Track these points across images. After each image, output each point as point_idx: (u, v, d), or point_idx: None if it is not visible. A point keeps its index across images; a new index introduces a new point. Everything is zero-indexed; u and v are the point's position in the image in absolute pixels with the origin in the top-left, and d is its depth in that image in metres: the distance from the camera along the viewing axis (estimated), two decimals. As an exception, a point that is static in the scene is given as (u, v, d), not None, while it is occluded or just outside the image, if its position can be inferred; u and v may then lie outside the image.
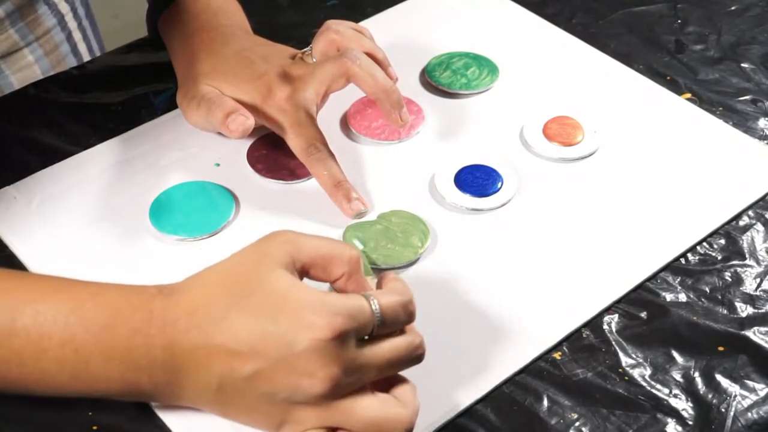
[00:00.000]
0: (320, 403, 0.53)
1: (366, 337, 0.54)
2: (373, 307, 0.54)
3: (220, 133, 0.75)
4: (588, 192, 0.74)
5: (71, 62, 0.93)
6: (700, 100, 0.82)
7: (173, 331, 0.54)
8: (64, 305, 0.55)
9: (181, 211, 0.70)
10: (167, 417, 0.59)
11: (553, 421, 0.59)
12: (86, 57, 0.96)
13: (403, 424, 0.53)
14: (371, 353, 0.54)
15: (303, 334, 0.51)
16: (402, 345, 0.55)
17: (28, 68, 0.89)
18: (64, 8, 0.92)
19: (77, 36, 0.94)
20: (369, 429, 0.53)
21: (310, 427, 0.54)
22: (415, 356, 0.56)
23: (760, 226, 0.72)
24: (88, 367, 0.54)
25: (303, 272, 0.56)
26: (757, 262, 0.69)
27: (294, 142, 0.71)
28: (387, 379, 0.56)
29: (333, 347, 0.52)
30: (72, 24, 0.93)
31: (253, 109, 0.72)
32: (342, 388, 0.53)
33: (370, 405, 0.53)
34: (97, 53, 0.98)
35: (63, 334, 0.54)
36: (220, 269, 0.56)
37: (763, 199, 0.73)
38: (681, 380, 0.62)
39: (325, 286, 0.59)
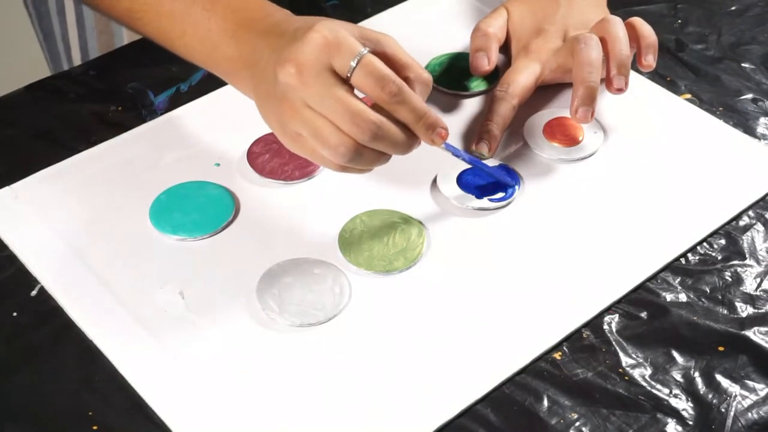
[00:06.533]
0: (292, 100, 0.61)
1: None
2: (361, 50, 0.60)
3: (219, 133, 0.75)
4: (588, 192, 0.74)
5: None
6: (700, 100, 0.82)
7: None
8: None
9: (181, 211, 0.70)
10: (167, 416, 0.59)
11: (553, 421, 0.59)
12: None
13: (345, 143, 0.60)
14: (333, 82, 0.60)
15: (309, 31, 0.60)
16: (356, 103, 0.60)
17: None
18: None
19: None
20: (315, 134, 0.61)
21: (289, 130, 0.62)
22: (359, 120, 0.60)
23: (760, 226, 0.72)
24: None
25: None
26: (758, 262, 0.69)
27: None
28: None
29: (316, 51, 0.59)
30: None
31: None
32: (304, 91, 0.60)
33: (324, 124, 0.60)
34: None
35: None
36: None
37: (763, 199, 0.73)
38: (681, 380, 0.62)
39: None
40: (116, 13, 0.73)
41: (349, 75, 0.60)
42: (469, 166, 0.73)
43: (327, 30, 0.60)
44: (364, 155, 0.62)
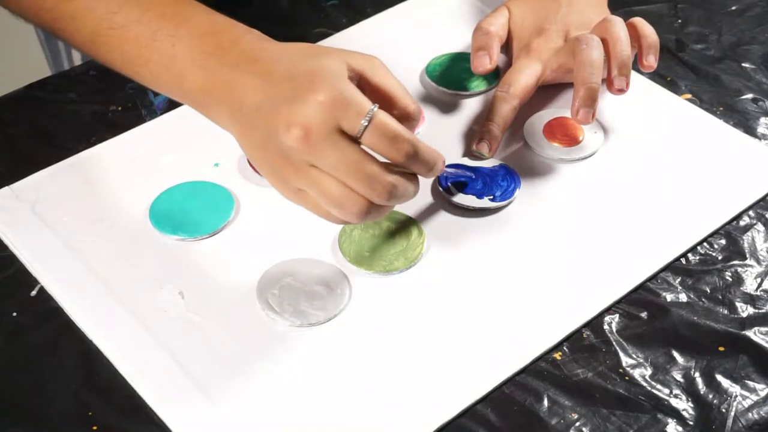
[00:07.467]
0: (295, 161, 0.58)
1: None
2: (370, 107, 0.57)
3: (219, 133, 0.75)
4: (588, 192, 0.74)
5: None
6: (700, 100, 0.82)
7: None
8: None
9: (181, 211, 0.70)
10: (167, 416, 0.59)
11: (554, 422, 0.59)
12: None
13: (358, 203, 0.58)
14: (345, 145, 0.57)
15: (311, 92, 0.56)
16: (370, 166, 0.57)
17: None
18: None
19: None
20: (324, 194, 0.58)
21: (290, 186, 0.60)
22: (375, 184, 0.57)
23: (760, 226, 0.72)
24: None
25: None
26: (758, 262, 0.69)
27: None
28: None
29: (323, 113, 0.56)
30: None
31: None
32: (312, 154, 0.57)
33: (334, 185, 0.58)
34: None
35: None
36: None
37: (763, 199, 0.73)
38: (681, 380, 0.62)
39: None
40: (80, 39, 0.68)
41: (359, 135, 0.57)
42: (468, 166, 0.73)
43: (332, 90, 0.56)
44: (379, 211, 0.60)
